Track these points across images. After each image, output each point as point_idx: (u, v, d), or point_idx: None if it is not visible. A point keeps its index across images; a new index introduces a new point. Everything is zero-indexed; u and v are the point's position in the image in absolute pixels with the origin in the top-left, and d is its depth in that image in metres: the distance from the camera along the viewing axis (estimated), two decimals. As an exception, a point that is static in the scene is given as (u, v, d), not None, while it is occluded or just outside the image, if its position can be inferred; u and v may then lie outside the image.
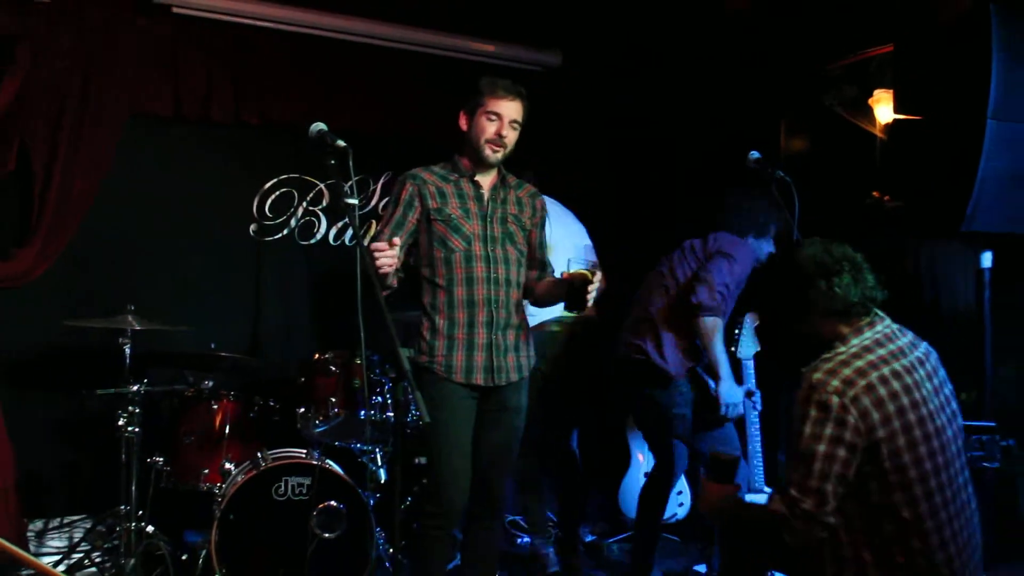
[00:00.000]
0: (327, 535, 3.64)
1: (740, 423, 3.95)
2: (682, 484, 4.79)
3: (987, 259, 3.61)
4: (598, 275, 3.06)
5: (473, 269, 3.15)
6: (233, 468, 3.84)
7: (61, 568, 3.87)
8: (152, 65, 4.54)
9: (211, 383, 4.05)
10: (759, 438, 3.97)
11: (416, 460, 4.30)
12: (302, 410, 4.01)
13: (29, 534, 4.31)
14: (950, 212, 3.35)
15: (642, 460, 4.92)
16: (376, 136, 4.93)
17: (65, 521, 4.43)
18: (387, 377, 4.07)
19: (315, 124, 2.73)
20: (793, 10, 4.38)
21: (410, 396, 3.48)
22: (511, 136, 3.20)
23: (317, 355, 4.14)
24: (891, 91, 3.86)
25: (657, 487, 4.04)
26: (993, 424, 3.47)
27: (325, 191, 5.03)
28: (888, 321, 2.45)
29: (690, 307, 3.70)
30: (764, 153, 3.54)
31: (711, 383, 3.79)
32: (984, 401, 3.60)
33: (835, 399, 2.21)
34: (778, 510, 2.23)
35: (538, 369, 3.56)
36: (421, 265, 3.21)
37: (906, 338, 2.44)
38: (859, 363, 2.27)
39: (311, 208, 5.04)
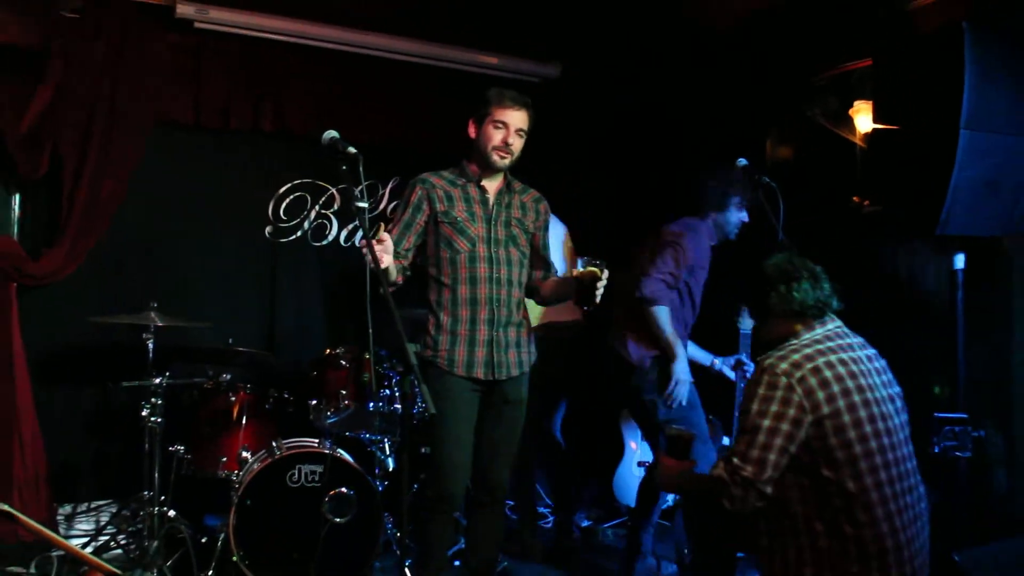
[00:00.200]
0: (338, 520, 3.63)
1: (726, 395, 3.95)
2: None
3: (960, 260, 3.62)
4: (606, 272, 3.07)
5: (477, 269, 3.17)
6: (250, 456, 3.83)
7: (89, 549, 3.89)
8: (175, 76, 4.58)
9: (229, 376, 4.05)
10: None
11: (422, 449, 4.31)
12: (314, 402, 4.02)
13: (59, 518, 4.35)
14: (925, 216, 3.36)
15: (635, 448, 4.94)
16: (385, 143, 4.94)
17: (92, 506, 4.47)
18: (394, 371, 4.07)
19: (327, 132, 2.76)
20: (779, 27, 4.39)
21: (416, 389, 3.53)
22: (517, 144, 3.21)
23: (328, 350, 4.13)
24: (870, 103, 3.87)
25: (651, 475, 4.06)
26: (965, 416, 3.50)
27: (337, 195, 5.05)
28: (840, 323, 2.54)
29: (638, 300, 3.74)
30: (752, 160, 3.56)
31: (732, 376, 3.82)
32: (957, 394, 3.62)
33: (783, 379, 2.32)
34: (719, 476, 2.33)
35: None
36: (428, 264, 3.23)
37: (856, 339, 2.53)
38: (808, 351, 2.40)
39: (323, 211, 5.06)
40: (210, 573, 3.57)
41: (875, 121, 3.70)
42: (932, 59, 3.39)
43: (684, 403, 3.76)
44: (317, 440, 3.90)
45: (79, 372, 4.48)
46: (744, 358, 4.01)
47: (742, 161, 3.59)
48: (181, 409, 4.28)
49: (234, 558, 3.55)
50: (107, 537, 4.03)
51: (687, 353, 3.84)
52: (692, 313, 3.94)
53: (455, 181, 3.26)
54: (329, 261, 5.06)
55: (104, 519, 4.32)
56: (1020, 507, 3.76)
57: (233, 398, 3.96)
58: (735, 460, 2.32)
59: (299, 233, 5.00)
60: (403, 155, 4.92)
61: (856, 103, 4.31)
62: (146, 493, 3.79)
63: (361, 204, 2.75)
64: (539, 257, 3.39)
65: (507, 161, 3.21)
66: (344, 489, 3.68)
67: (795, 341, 2.46)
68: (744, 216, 3.94)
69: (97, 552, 3.88)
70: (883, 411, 2.37)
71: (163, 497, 3.81)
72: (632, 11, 4.89)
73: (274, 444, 3.81)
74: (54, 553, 2.85)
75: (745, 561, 3.81)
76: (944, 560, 3.06)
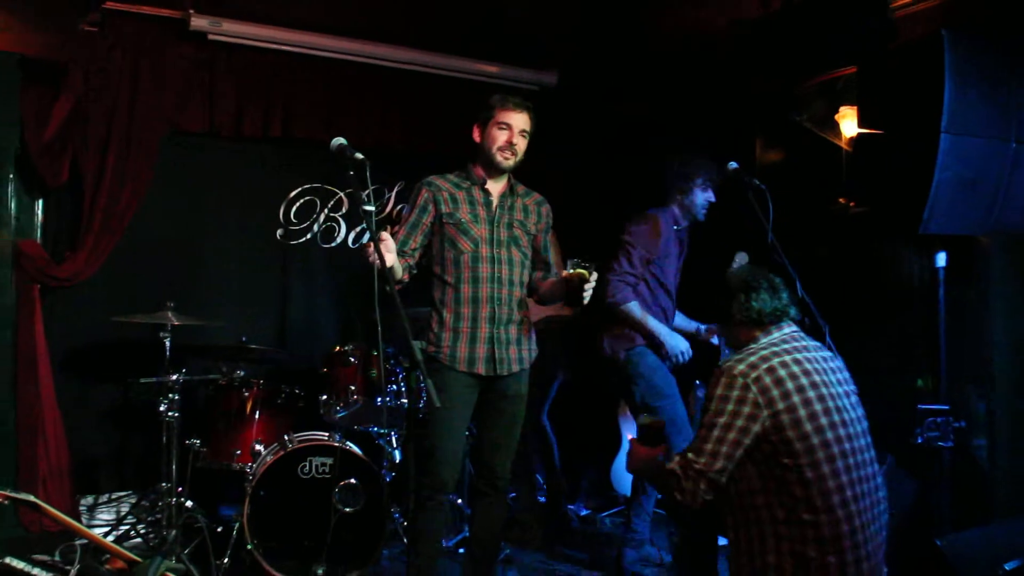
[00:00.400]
0: (347, 509, 3.64)
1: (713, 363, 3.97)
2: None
3: (942, 259, 3.62)
4: (595, 275, 3.07)
5: (479, 269, 3.17)
6: (263, 449, 3.85)
7: (110, 538, 3.91)
8: (189, 86, 4.59)
9: (242, 373, 4.07)
10: None
11: (426, 443, 4.34)
12: (324, 397, 4.04)
13: (81, 508, 4.38)
14: (908, 216, 3.37)
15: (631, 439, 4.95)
16: (390, 149, 4.96)
17: (113, 497, 4.48)
18: (401, 367, 4.08)
19: (336, 138, 2.77)
20: (767, 36, 4.40)
21: (422, 384, 3.53)
22: (521, 144, 3.22)
23: (338, 347, 4.16)
24: (855, 108, 3.88)
25: None
26: (947, 407, 3.51)
27: (345, 199, 5.07)
28: (796, 328, 2.60)
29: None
30: (742, 164, 3.57)
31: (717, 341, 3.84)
32: (940, 387, 3.63)
33: (739, 379, 2.39)
34: (672, 469, 2.42)
35: None
36: (433, 264, 3.24)
37: (812, 342, 2.59)
38: (764, 352, 2.47)
39: (332, 214, 5.08)
40: (225, 560, 3.58)
41: (860, 126, 3.71)
42: (914, 66, 3.40)
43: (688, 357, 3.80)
44: (327, 433, 3.91)
45: (100, 369, 4.50)
46: None
47: (733, 164, 3.59)
48: (197, 404, 4.32)
49: (248, 546, 3.57)
50: (127, 526, 4.07)
51: (675, 323, 3.89)
52: (668, 298, 3.95)
53: (460, 184, 3.26)
54: (338, 262, 5.07)
55: (124, 509, 4.34)
56: (1000, 495, 3.77)
57: (247, 393, 3.98)
58: (690, 455, 2.40)
59: (309, 235, 5.02)
60: (408, 160, 4.94)
61: (842, 108, 4.32)
62: (164, 484, 3.81)
63: (368, 207, 2.76)
64: (540, 258, 3.40)
65: (511, 162, 3.21)
66: (353, 480, 3.70)
67: (753, 345, 2.53)
68: (711, 196, 3.94)
69: (118, 541, 3.90)
70: (838, 405, 2.43)
71: (180, 488, 3.83)
72: (627, 20, 4.90)
73: (286, 437, 3.82)
74: (77, 542, 2.86)
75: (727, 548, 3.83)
76: (927, 545, 3.07)
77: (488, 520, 3.32)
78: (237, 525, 3.64)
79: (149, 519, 4.05)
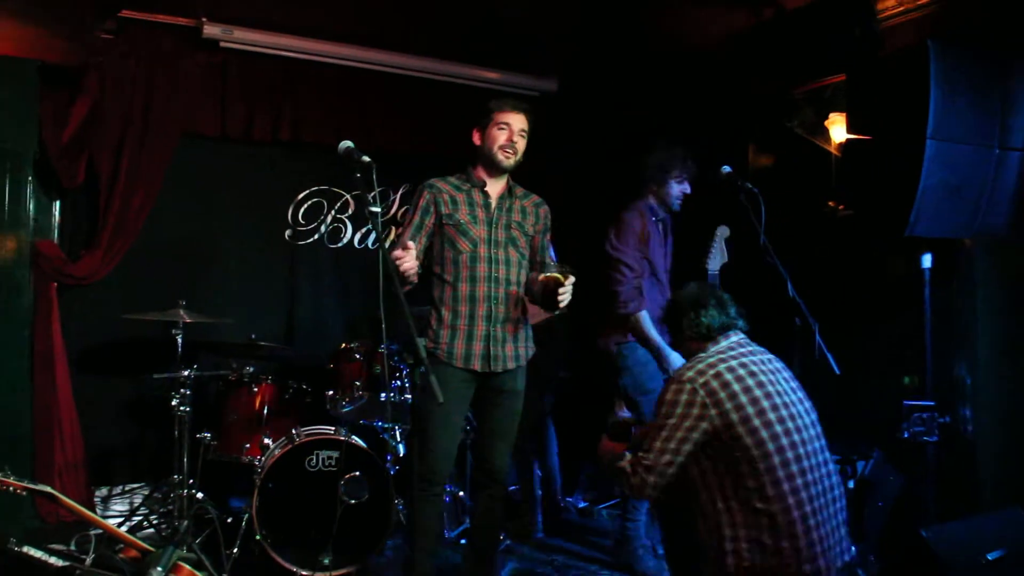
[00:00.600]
0: (353, 501, 3.65)
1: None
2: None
3: (927, 260, 3.64)
4: (571, 279, 3.07)
5: (477, 268, 3.17)
6: (271, 443, 3.85)
7: (124, 528, 3.92)
8: (201, 91, 4.61)
9: (252, 369, 4.08)
10: None
11: (423, 436, 4.34)
12: (331, 392, 4.04)
13: (96, 499, 4.40)
14: (895, 219, 3.38)
15: (629, 435, 4.95)
16: (395, 152, 4.97)
17: (127, 488, 4.50)
18: (405, 363, 4.08)
19: (343, 142, 2.78)
20: (760, 45, 4.41)
21: (428, 380, 3.53)
22: (520, 144, 3.22)
23: (344, 344, 4.16)
24: (844, 115, 3.90)
25: None
26: (932, 403, 3.52)
27: (351, 201, 5.07)
28: (743, 336, 2.70)
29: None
30: (735, 167, 3.58)
31: None
32: (925, 383, 3.64)
33: (687, 385, 2.49)
34: (622, 467, 2.54)
35: None
36: (433, 264, 3.24)
37: (759, 348, 2.66)
38: (711, 359, 2.56)
39: (339, 216, 5.08)
40: (235, 550, 3.59)
41: (849, 132, 3.72)
42: (901, 75, 3.41)
43: None
44: (333, 428, 3.91)
45: (114, 365, 4.50)
46: None
47: (726, 168, 3.59)
48: (208, 399, 4.32)
49: (257, 536, 3.57)
50: (140, 517, 4.08)
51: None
52: (661, 292, 3.95)
53: (460, 186, 3.27)
54: (344, 262, 5.08)
55: (137, 501, 4.35)
56: (984, 487, 3.78)
57: (256, 389, 3.98)
58: (639, 453, 2.51)
59: (316, 236, 5.03)
60: (412, 163, 4.93)
61: (831, 115, 4.34)
62: (176, 477, 3.82)
63: (374, 209, 2.76)
64: (538, 258, 3.40)
65: (512, 160, 3.21)
66: (358, 473, 3.70)
67: (702, 355, 2.61)
68: (686, 188, 3.94)
69: (131, 531, 3.92)
70: (785, 401, 2.50)
71: (191, 480, 3.83)
72: (625, 29, 4.90)
73: (293, 431, 3.82)
74: (92, 532, 2.86)
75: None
76: (913, 536, 3.08)
77: (488, 511, 3.33)
78: (246, 516, 3.64)
79: (161, 510, 4.04)
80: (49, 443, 4.19)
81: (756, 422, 2.42)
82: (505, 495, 3.41)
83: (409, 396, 3.99)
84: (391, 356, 4.06)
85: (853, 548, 2.54)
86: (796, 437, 2.46)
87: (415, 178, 3.39)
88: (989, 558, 3.00)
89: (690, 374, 2.52)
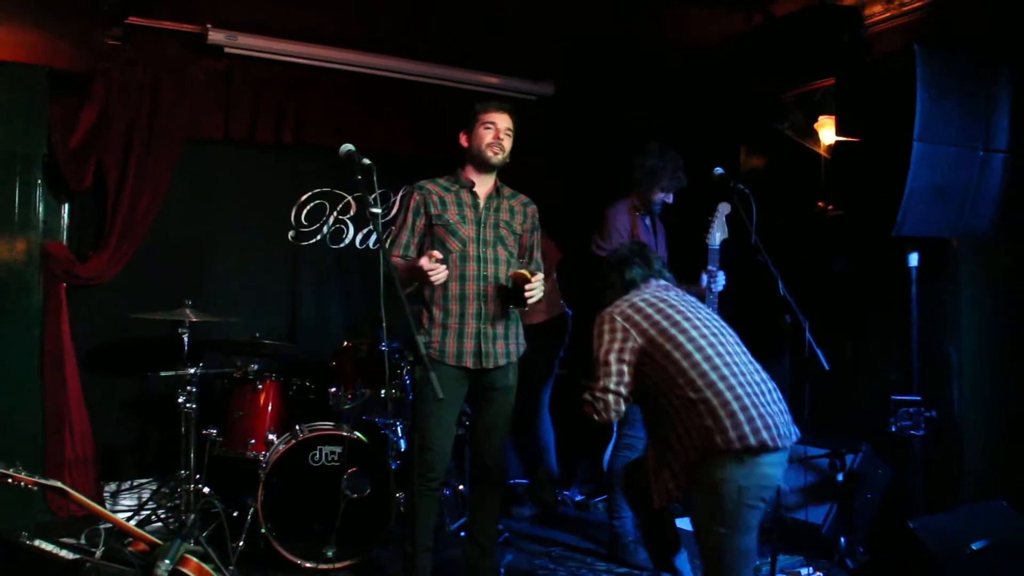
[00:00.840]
0: (355, 495, 3.65)
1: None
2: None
3: (914, 259, 3.64)
4: (538, 276, 3.09)
5: (466, 267, 3.17)
6: (275, 439, 3.85)
7: (133, 522, 3.92)
8: (206, 96, 4.60)
9: (256, 366, 4.06)
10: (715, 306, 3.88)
11: (418, 432, 4.34)
12: (333, 389, 4.03)
13: (105, 494, 4.39)
14: (883, 219, 3.40)
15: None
16: (396, 155, 4.95)
17: (135, 484, 4.49)
18: (405, 361, 4.07)
19: (344, 145, 2.78)
20: (751, 50, 4.41)
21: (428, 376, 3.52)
22: (507, 141, 3.24)
23: (346, 342, 4.14)
24: (833, 117, 3.90)
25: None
26: (919, 398, 3.53)
27: (353, 202, 5.06)
28: (663, 281, 2.99)
29: None
30: (727, 169, 3.58)
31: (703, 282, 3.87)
32: (912, 378, 3.65)
33: (606, 317, 2.82)
34: (584, 398, 2.79)
35: None
36: None
37: (677, 290, 2.98)
38: (628, 298, 2.88)
39: (341, 217, 5.08)
40: (241, 543, 3.59)
41: (838, 134, 3.73)
42: (888, 79, 3.42)
43: None
44: (335, 424, 3.91)
45: (122, 363, 4.50)
46: (713, 269, 3.91)
47: (719, 170, 3.59)
48: (213, 396, 4.31)
49: (262, 530, 3.58)
50: (148, 511, 4.07)
51: None
52: None
53: (449, 187, 3.27)
54: (346, 262, 5.07)
55: (145, 495, 4.35)
56: (969, 481, 3.79)
57: (260, 386, 3.98)
58: (591, 383, 2.78)
59: (319, 237, 5.02)
60: (413, 165, 4.91)
61: (820, 118, 4.35)
62: (183, 472, 3.82)
63: (375, 210, 2.76)
64: (524, 256, 3.38)
65: (500, 157, 3.22)
66: (360, 468, 3.70)
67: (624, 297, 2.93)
68: (668, 199, 3.97)
69: (140, 525, 3.90)
70: (699, 315, 2.80)
71: (198, 476, 3.83)
72: (620, 34, 4.91)
73: (297, 427, 3.82)
74: (102, 526, 2.87)
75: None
76: (901, 527, 3.08)
77: (485, 504, 3.34)
78: (252, 510, 3.64)
79: (169, 504, 4.04)
80: (59, 439, 4.19)
81: (672, 331, 2.72)
82: (502, 488, 3.41)
83: (411, 394, 3.97)
84: (392, 354, 4.06)
85: (798, 431, 2.73)
86: (714, 339, 2.73)
87: (415, 180, 3.39)
88: (974, 548, 3.01)
89: (606, 311, 2.84)
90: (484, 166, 3.25)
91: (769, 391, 2.71)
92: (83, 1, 3.97)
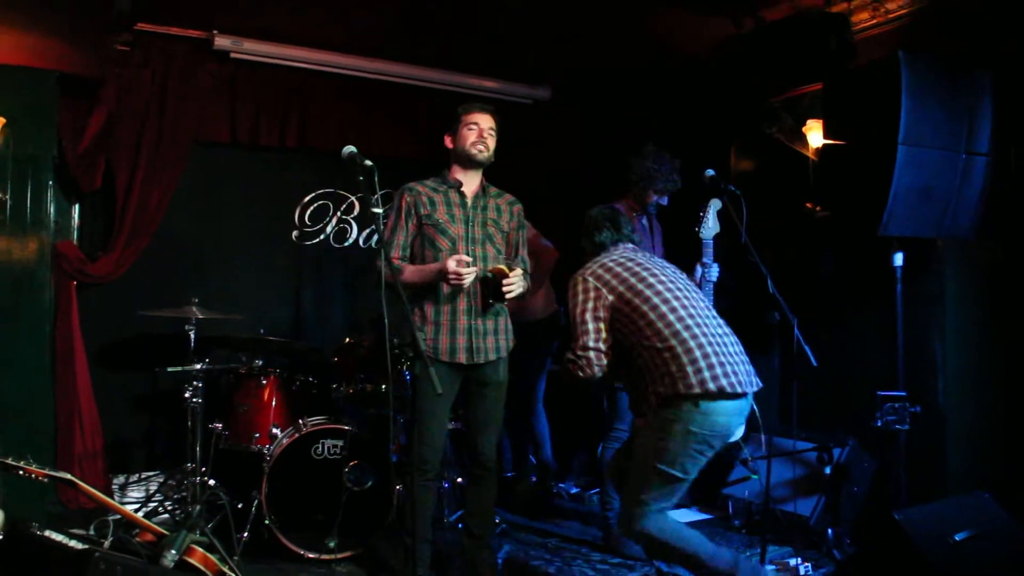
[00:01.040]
0: (357, 488, 3.66)
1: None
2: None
3: (899, 258, 3.65)
4: (517, 271, 3.10)
5: None
6: (279, 432, 3.85)
7: (140, 514, 3.91)
8: (212, 100, 4.61)
9: (261, 362, 4.07)
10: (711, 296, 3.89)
11: (413, 427, 4.34)
12: (335, 385, 4.05)
13: (114, 487, 4.40)
14: (869, 220, 3.41)
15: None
16: (397, 156, 4.97)
17: (143, 476, 4.50)
18: (405, 357, 4.09)
19: (347, 147, 2.79)
20: (741, 55, 4.42)
21: (428, 372, 3.53)
22: (490, 140, 3.25)
23: (348, 339, 4.15)
24: (821, 121, 3.90)
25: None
26: (904, 393, 3.54)
27: (356, 203, 5.08)
28: (632, 246, 3.10)
29: None
30: (718, 170, 3.59)
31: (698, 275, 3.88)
32: (897, 374, 3.66)
33: (578, 279, 2.94)
34: (567, 357, 2.89)
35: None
36: (415, 262, 3.25)
37: (645, 253, 3.11)
38: (598, 259, 3.00)
39: (344, 217, 5.09)
40: (245, 534, 3.60)
41: (825, 137, 3.74)
42: (874, 84, 3.43)
43: None
44: (337, 418, 3.91)
45: (130, 359, 4.51)
46: (707, 261, 3.90)
47: (710, 172, 3.60)
48: (219, 391, 4.32)
49: (266, 521, 3.58)
50: (156, 503, 4.09)
51: None
52: None
53: (437, 188, 3.28)
54: (349, 261, 5.08)
55: (153, 488, 4.36)
56: (952, 473, 3.80)
57: (264, 381, 3.98)
58: (571, 345, 2.87)
59: (322, 237, 5.03)
60: (413, 167, 4.92)
61: (808, 122, 4.35)
62: (189, 465, 3.83)
63: (377, 210, 2.77)
64: (510, 254, 3.38)
65: (485, 154, 3.23)
66: (361, 461, 3.71)
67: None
68: (663, 201, 3.98)
69: (147, 516, 3.91)
70: (665, 274, 2.93)
71: (204, 468, 3.84)
72: (614, 39, 4.91)
73: (300, 421, 3.83)
74: (111, 517, 2.88)
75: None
76: (886, 518, 3.10)
77: (480, 496, 3.34)
78: (256, 502, 3.64)
79: (176, 496, 4.06)
80: (69, 433, 4.20)
81: (640, 286, 2.85)
82: (496, 480, 3.41)
83: (409, 389, 3.98)
84: (392, 349, 4.05)
85: (760, 381, 2.84)
86: (679, 293, 2.86)
87: (415, 180, 3.40)
88: (957, 538, 3.03)
89: (577, 273, 2.96)
90: (470, 163, 3.25)
91: (731, 342, 2.84)
92: (93, 7, 3.97)
